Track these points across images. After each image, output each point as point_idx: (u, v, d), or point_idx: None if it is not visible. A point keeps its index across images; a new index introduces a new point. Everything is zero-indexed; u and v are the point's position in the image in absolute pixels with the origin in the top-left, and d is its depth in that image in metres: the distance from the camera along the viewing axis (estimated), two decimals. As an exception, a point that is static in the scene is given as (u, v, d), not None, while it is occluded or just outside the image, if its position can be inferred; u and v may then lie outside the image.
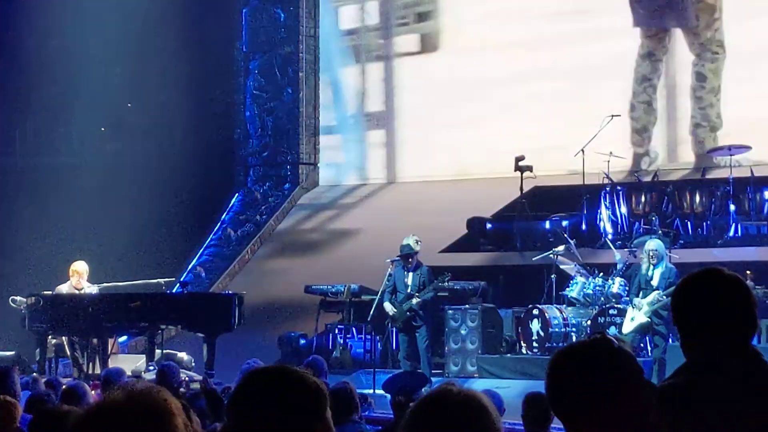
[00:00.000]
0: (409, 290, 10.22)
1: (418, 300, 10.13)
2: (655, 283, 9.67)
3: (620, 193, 11.95)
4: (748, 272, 9.18)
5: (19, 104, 15.29)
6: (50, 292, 10.73)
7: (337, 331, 11.65)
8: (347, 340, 11.50)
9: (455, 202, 13.61)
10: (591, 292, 10.65)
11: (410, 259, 10.11)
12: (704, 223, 11.80)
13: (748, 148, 11.40)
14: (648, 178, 12.51)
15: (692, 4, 13.10)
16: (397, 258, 10.30)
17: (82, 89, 14.60)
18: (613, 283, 10.46)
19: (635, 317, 9.71)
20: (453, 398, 1.81)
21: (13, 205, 13.67)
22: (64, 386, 6.96)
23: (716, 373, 2.34)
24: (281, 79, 15.10)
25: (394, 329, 10.73)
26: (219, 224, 15.28)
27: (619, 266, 10.77)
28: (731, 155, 11.37)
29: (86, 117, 14.67)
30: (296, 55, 15.03)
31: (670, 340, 9.15)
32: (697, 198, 11.66)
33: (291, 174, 15.42)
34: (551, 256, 10.97)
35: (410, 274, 10.28)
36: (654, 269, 9.77)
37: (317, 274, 12.70)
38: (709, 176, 12.22)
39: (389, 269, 10.35)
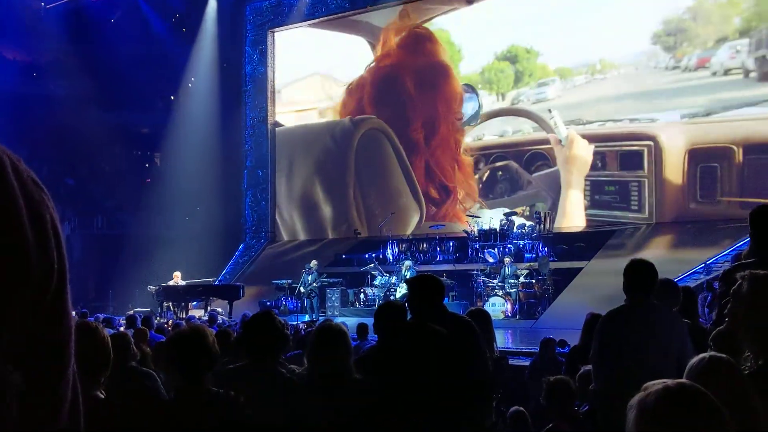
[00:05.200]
0: (311, 281, 17.00)
1: (315, 286, 16.91)
2: (407, 277, 13.98)
3: (395, 242, 19.10)
4: (444, 274, 15.39)
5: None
6: (164, 284, 17.15)
7: (283, 298, 18.41)
8: (287, 302, 18.16)
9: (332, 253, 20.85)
10: (384, 282, 16.72)
11: (315, 269, 17.24)
12: (418, 254, 18.73)
13: (442, 225, 19.45)
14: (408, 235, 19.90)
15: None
16: (306, 269, 17.03)
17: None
18: (392, 278, 16.56)
19: (401, 292, 15.38)
20: (329, 324, 3.14)
21: (150, 253, 20.74)
22: (167, 323, 11.93)
23: (432, 312, 3.68)
24: (261, 195, 23.39)
25: (305, 298, 17.02)
26: (234, 256, 23.07)
27: (395, 272, 16.73)
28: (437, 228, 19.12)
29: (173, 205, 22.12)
30: (269, 188, 23.19)
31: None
32: (425, 245, 18.93)
33: (264, 237, 23.41)
34: (367, 268, 17.48)
35: (310, 276, 16.97)
36: (407, 272, 15.56)
37: (276, 275, 19.23)
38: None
39: (304, 273, 16.94)
